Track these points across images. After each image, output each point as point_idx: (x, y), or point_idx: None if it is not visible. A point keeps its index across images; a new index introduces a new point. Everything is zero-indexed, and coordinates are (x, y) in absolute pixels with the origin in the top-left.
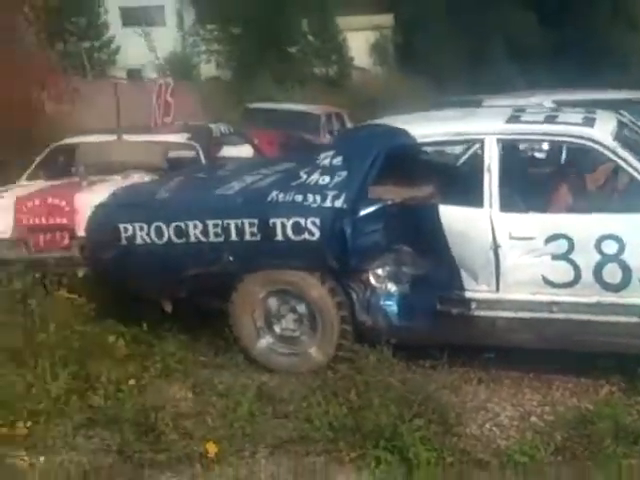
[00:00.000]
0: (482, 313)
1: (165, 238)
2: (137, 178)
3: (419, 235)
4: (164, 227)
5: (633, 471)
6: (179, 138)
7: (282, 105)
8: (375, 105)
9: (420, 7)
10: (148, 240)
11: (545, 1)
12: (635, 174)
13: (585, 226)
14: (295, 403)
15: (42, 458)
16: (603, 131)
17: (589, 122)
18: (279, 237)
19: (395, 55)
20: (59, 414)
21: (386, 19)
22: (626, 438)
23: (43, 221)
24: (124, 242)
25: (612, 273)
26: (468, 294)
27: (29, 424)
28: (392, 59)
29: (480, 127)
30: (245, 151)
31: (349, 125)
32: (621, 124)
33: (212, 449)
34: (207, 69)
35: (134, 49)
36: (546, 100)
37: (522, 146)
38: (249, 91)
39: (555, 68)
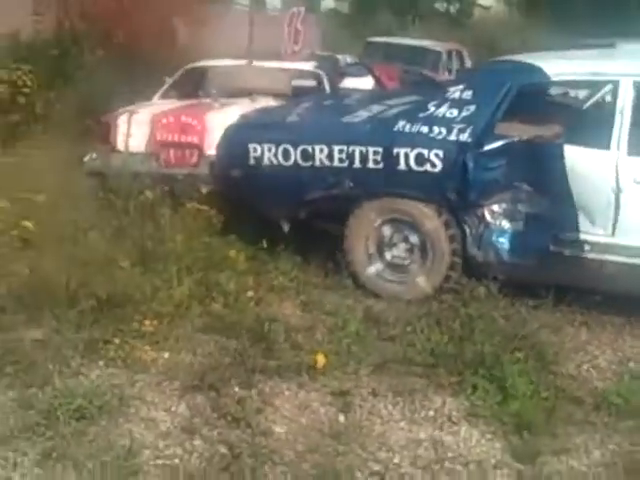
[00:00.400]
0: (594, 256)
1: (292, 160)
2: (264, 102)
3: (541, 174)
4: (291, 149)
5: None
6: (307, 66)
7: (403, 40)
8: (496, 44)
9: None
10: (275, 161)
11: None
12: None
13: None
14: (400, 327)
15: (166, 354)
16: None
17: None
18: (401, 166)
19: None
20: (181, 317)
21: None
22: None
23: (175, 138)
24: (252, 162)
25: None
26: (583, 236)
27: (155, 323)
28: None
29: (617, 68)
30: (366, 83)
31: (469, 63)
32: None
33: (321, 360)
34: (326, 1)
35: None
36: None
37: None
38: (368, 25)
39: None
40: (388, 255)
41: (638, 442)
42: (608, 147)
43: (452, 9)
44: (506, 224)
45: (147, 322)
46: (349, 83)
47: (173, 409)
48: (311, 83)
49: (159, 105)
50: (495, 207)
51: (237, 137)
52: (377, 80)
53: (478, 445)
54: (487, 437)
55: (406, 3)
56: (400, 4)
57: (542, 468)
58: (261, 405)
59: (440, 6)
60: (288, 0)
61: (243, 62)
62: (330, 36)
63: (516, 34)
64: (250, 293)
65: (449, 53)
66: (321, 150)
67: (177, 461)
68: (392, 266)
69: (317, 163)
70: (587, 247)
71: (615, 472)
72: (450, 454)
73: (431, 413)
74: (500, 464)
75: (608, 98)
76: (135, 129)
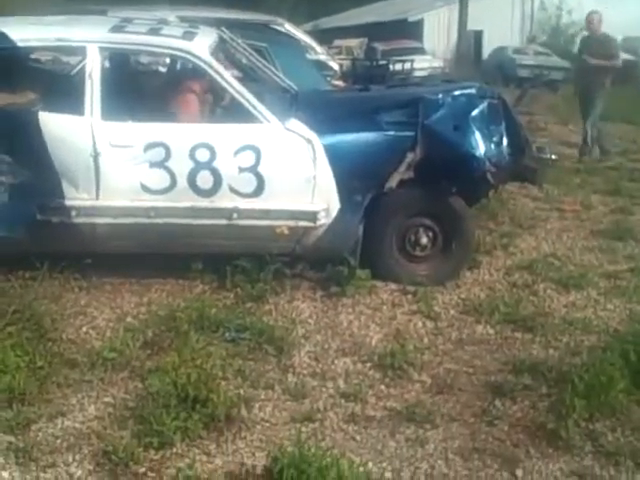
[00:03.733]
0: (82, 220)
1: None
2: None
3: (18, 143)
4: None
5: (211, 356)
6: None
7: None
8: None
9: None
10: None
11: None
12: (227, 87)
13: (180, 135)
14: None
15: None
16: (200, 45)
17: (189, 36)
18: None
19: None
20: None
21: None
22: (209, 327)
23: None
24: None
25: (204, 179)
26: (68, 202)
27: None
28: None
29: (82, 34)
30: None
31: None
32: (222, 40)
33: None
34: None
35: None
36: (170, 15)
37: (127, 56)
38: None
39: None
40: None
41: (131, 390)
42: (82, 113)
43: None
44: None
45: None
46: None
47: None
48: None
49: None
50: None
51: None
52: None
53: None
54: None
55: None
56: None
57: (37, 434)
58: None
59: None
60: None
61: None
62: None
63: None
64: None
65: None
66: None
67: None
68: None
69: None
70: (74, 212)
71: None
72: None
73: None
74: None
75: (79, 64)
76: None
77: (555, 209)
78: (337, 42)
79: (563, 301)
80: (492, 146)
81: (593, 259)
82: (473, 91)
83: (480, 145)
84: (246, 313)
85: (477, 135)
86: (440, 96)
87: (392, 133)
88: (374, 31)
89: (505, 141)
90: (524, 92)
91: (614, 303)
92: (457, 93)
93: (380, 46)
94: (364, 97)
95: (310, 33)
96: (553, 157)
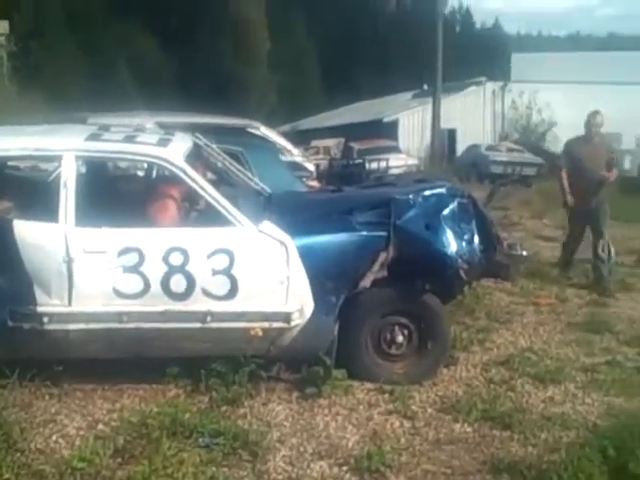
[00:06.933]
0: (55, 327)
1: None
2: None
3: None
4: None
5: (184, 463)
6: None
7: None
8: None
9: (37, 16)
10: None
11: (168, 28)
12: (200, 191)
13: (154, 239)
14: None
15: None
16: (175, 152)
17: (164, 143)
18: None
19: (10, 65)
20: None
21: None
22: (182, 433)
23: None
24: None
25: (178, 283)
26: (40, 308)
27: None
28: (7, 69)
29: (59, 143)
30: None
31: None
32: (197, 146)
33: None
34: None
35: None
36: (149, 121)
37: (103, 163)
38: None
39: (180, 93)
40: None
41: None
42: (57, 220)
43: None
44: None
45: None
46: None
47: None
48: None
49: None
50: None
51: None
52: None
53: None
54: None
55: None
56: None
57: None
58: None
59: None
60: None
61: None
62: None
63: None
64: None
65: None
66: None
67: None
68: None
69: None
70: (46, 319)
71: None
72: None
73: None
74: None
75: (55, 172)
76: None
77: (531, 303)
78: (315, 142)
79: (541, 396)
80: (464, 244)
81: (570, 352)
82: (443, 191)
83: (452, 243)
84: (221, 417)
85: (448, 233)
86: (411, 196)
87: (365, 233)
88: (351, 131)
89: (476, 238)
90: (495, 189)
91: (592, 397)
92: (428, 193)
93: (356, 145)
94: (337, 198)
95: (288, 134)
96: (524, 253)
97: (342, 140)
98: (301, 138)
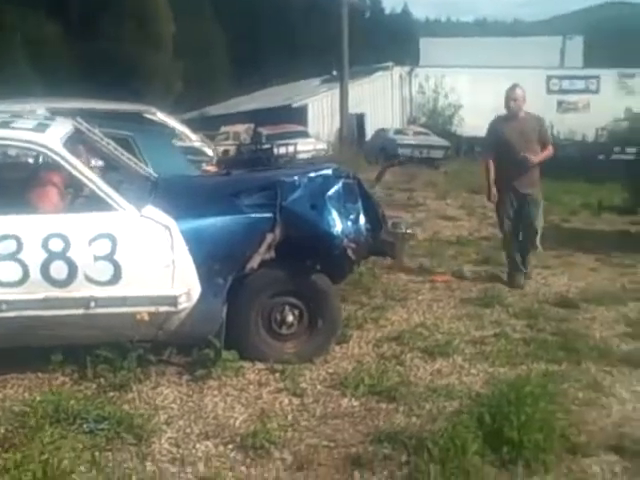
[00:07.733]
0: None
1: None
2: None
3: None
4: None
5: (62, 449)
6: None
7: None
8: None
9: None
10: None
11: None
12: (80, 176)
13: (32, 226)
14: None
15: None
16: (51, 137)
17: (41, 128)
18: None
19: None
20: None
21: None
22: (66, 420)
23: None
24: None
25: (59, 270)
26: None
27: None
28: None
29: None
30: None
31: None
32: (78, 131)
33: None
34: None
35: None
36: (40, 107)
37: None
38: None
39: (83, 80)
40: None
41: None
42: None
43: None
44: None
45: None
46: None
47: None
48: None
49: None
50: None
51: None
52: None
53: None
54: None
55: None
56: None
57: None
58: None
59: None
60: None
61: None
62: None
63: None
64: None
65: None
66: None
67: None
68: None
69: None
70: None
71: None
72: None
73: None
74: None
75: None
76: None
77: (428, 281)
78: (224, 128)
79: (429, 369)
80: (349, 223)
81: (461, 326)
82: (329, 172)
83: (337, 222)
84: (107, 402)
85: (334, 213)
86: (297, 178)
87: (251, 215)
88: (260, 117)
89: (362, 218)
90: (384, 169)
91: (477, 368)
92: (313, 175)
93: (265, 131)
94: (224, 181)
95: (198, 120)
96: (408, 231)
97: (252, 126)
98: (210, 124)
